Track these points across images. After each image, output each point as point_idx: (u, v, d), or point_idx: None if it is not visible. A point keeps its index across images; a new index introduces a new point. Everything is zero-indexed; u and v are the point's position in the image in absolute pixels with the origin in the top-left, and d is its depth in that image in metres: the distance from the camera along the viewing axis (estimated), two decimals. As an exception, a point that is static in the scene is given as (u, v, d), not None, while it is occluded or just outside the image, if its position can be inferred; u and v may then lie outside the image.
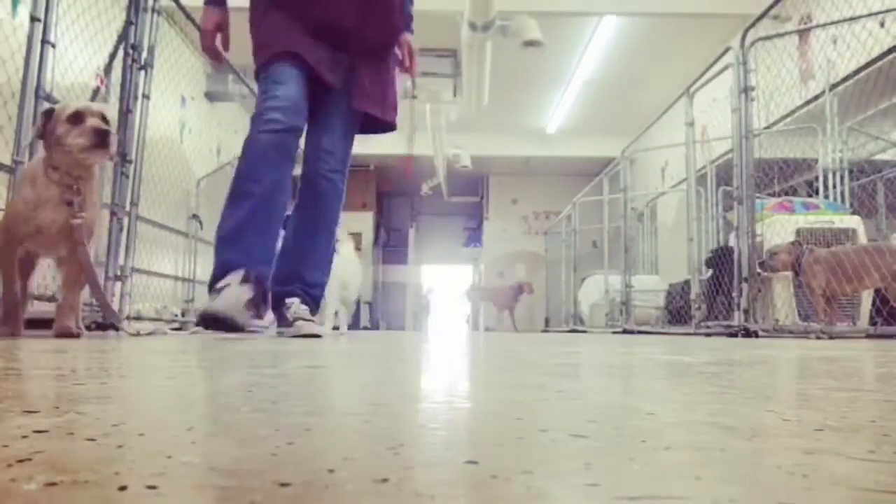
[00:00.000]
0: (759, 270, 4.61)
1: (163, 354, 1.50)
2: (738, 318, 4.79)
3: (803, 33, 5.96)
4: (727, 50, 5.16)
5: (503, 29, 7.10)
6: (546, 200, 13.73)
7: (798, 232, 4.78)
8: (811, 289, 4.31)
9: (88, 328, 3.92)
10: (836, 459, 0.39)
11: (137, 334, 2.70)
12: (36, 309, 3.86)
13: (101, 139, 2.22)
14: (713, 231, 7.38)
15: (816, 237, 4.73)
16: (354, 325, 11.18)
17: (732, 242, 5.10)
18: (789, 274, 4.75)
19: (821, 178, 5.69)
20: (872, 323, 4.45)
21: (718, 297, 5.49)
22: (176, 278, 6.95)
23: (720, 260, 5.47)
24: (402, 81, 3.36)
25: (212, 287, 2.64)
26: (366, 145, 12.62)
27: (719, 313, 5.49)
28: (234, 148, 8.60)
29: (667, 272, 8.94)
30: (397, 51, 3.01)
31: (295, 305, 2.84)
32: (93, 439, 0.42)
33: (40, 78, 3.23)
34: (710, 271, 5.66)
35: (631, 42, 8.36)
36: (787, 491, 0.32)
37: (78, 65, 4.32)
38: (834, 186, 5.55)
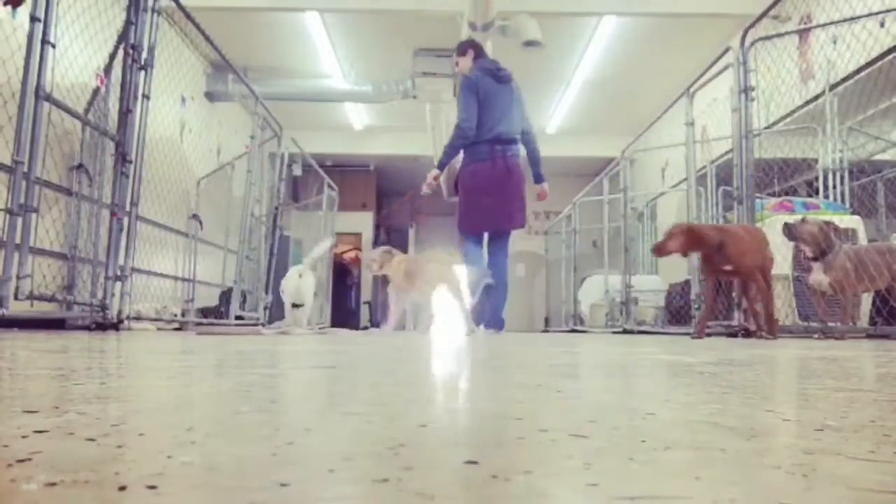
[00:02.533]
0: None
1: (163, 354, 1.50)
2: (738, 318, 4.79)
3: (803, 33, 5.95)
4: (727, 50, 5.16)
5: (503, 29, 7.09)
6: (546, 200, 13.71)
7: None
8: (844, 287, 4.03)
9: (88, 328, 3.92)
10: (836, 459, 0.39)
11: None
12: (36, 309, 3.87)
13: None
14: (713, 231, 7.37)
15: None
16: (353, 325, 11.20)
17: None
18: (789, 274, 4.74)
19: (821, 178, 5.69)
20: (872, 323, 4.45)
21: (718, 297, 5.49)
22: (176, 278, 6.94)
23: None
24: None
25: None
26: (365, 146, 12.61)
27: (719, 313, 5.49)
28: (234, 148, 8.61)
29: (667, 272, 8.93)
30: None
31: None
32: (93, 439, 0.42)
33: (40, 78, 3.22)
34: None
35: (631, 42, 8.36)
36: (787, 491, 0.32)
37: (78, 65, 4.32)
38: (834, 186, 5.54)
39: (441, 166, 4.76)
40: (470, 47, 5.08)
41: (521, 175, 4.87)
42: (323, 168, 9.37)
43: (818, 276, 4.09)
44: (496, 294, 4.81)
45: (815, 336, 4.14)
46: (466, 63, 5.01)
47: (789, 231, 4.14)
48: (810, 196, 5.77)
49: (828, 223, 4.13)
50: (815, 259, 4.09)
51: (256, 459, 0.37)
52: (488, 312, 4.78)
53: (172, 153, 6.50)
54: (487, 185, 4.71)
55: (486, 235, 5.02)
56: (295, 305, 5.04)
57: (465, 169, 4.82)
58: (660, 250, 4.42)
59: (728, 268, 4.25)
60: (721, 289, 5.37)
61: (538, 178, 5.15)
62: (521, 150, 5.01)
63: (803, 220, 4.13)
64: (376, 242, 14.42)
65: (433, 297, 4.68)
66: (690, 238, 4.34)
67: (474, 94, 4.72)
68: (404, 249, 15.82)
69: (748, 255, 4.24)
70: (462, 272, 4.58)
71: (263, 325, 6.23)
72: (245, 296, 6.79)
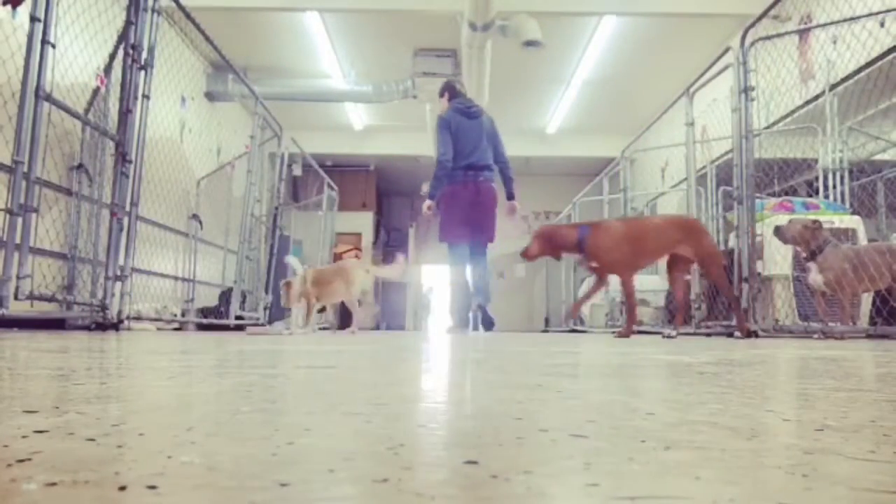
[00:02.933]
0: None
1: (163, 354, 1.50)
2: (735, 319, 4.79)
3: (803, 33, 5.95)
4: (727, 50, 5.16)
5: (503, 29, 7.09)
6: (546, 200, 13.72)
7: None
8: (843, 286, 3.96)
9: (88, 328, 3.92)
10: (836, 459, 0.39)
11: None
12: (36, 309, 3.87)
13: None
14: (713, 231, 7.38)
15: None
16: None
17: (732, 243, 5.10)
18: (789, 274, 4.73)
19: (821, 178, 5.68)
20: (872, 323, 4.44)
21: (718, 297, 5.49)
22: (176, 278, 6.94)
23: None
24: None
25: None
26: (366, 146, 12.61)
27: (719, 313, 5.49)
28: (234, 148, 8.61)
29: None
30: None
31: None
32: (93, 439, 0.42)
33: (40, 78, 3.22)
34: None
35: (631, 42, 8.36)
36: (787, 491, 0.32)
37: (78, 65, 4.32)
38: (834, 186, 5.54)
39: (431, 197, 5.72)
40: (446, 90, 5.85)
41: (492, 197, 5.71)
42: (323, 168, 9.37)
43: (815, 277, 4.09)
44: (481, 296, 5.66)
45: (815, 336, 4.14)
46: (443, 104, 5.80)
47: (778, 233, 4.18)
48: (810, 196, 5.77)
49: (814, 221, 4.13)
50: (810, 259, 4.10)
51: (256, 459, 0.37)
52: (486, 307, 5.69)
53: (172, 153, 6.50)
54: (461, 204, 5.62)
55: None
56: None
57: (444, 190, 5.75)
58: (526, 256, 4.47)
59: (594, 264, 4.27)
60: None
61: (510, 196, 6.13)
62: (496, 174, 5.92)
63: (790, 222, 4.16)
64: (376, 242, 14.43)
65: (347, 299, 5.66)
66: (545, 240, 4.38)
67: (448, 131, 5.55)
68: (404, 249, 15.92)
69: (613, 252, 4.20)
70: (396, 272, 5.60)
71: (265, 325, 6.25)
72: (245, 296, 6.79)
